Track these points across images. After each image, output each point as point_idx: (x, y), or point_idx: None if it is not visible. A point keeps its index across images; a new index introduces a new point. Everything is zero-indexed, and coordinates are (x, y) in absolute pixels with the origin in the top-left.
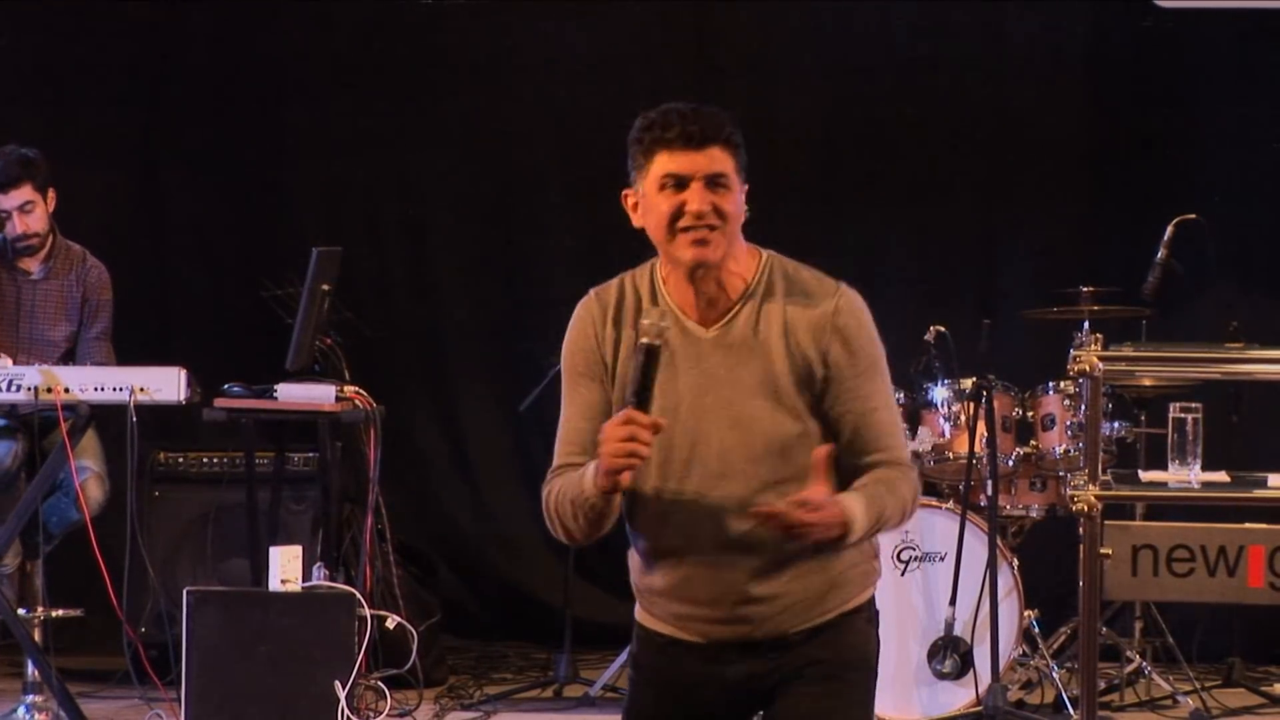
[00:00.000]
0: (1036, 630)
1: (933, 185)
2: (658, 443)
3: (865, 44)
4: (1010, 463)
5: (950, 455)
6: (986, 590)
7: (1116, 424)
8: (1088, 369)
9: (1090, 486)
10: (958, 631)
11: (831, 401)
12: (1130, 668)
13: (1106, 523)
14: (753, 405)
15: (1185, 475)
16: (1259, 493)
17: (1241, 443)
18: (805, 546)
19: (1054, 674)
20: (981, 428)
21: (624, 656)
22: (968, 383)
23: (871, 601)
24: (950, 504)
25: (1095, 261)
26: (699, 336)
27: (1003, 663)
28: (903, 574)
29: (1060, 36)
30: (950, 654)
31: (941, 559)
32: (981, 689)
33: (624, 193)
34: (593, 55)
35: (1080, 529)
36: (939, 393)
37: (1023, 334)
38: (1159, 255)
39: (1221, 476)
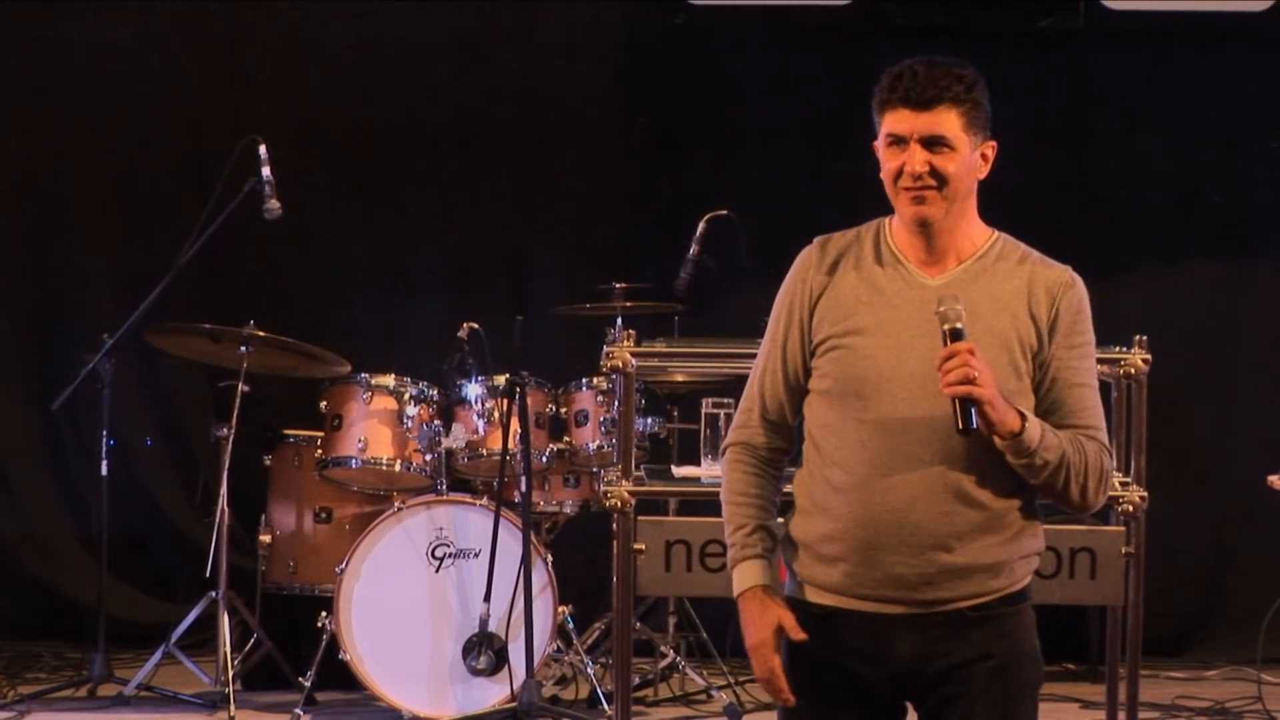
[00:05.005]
0: (571, 626)
1: (465, 181)
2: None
3: (395, 40)
4: (544, 459)
5: (484, 452)
6: (521, 586)
7: (649, 420)
8: (621, 365)
9: (623, 482)
10: (492, 628)
11: (1044, 362)
12: (664, 663)
13: (640, 518)
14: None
15: (718, 470)
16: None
17: None
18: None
19: (589, 669)
20: (515, 424)
21: (159, 655)
22: (501, 379)
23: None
24: (484, 500)
25: (628, 258)
26: (923, 283)
27: (537, 659)
28: (437, 571)
29: (591, 32)
30: (485, 650)
31: (476, 555)
32: (516, 685)
33: (874, 143)
34: (125, 51)
35: (614, 524)
36: (472, 389)
37: (556, 330)
38: (691, 252)
39: None
